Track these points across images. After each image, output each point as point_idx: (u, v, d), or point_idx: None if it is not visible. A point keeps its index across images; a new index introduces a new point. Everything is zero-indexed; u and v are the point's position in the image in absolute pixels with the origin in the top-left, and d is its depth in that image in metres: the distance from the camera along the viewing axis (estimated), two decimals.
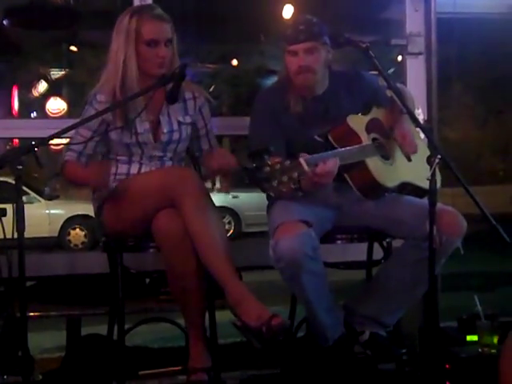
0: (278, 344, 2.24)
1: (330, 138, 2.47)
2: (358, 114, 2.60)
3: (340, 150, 2.42)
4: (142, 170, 2.56)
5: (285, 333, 2.25)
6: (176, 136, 2.59)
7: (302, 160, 2.14)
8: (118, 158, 2.58)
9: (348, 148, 2.43)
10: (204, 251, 2.31)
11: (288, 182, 2.07)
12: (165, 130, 2.57)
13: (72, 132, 2.46)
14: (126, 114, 2.48)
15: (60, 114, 15.35)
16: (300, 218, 2.38)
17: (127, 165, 2.58)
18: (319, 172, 2.22)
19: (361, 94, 2.64)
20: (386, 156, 2.56)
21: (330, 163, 2.26)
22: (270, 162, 2.07)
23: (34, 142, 2.12)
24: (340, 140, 2.46)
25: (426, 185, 2.20)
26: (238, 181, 2.46)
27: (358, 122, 2.54)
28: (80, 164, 2.54)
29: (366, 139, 2.52)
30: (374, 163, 2.47)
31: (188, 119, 2.63)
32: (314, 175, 2.21)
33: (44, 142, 2.21)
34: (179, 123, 2.60)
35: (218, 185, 10.64)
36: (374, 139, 2.57)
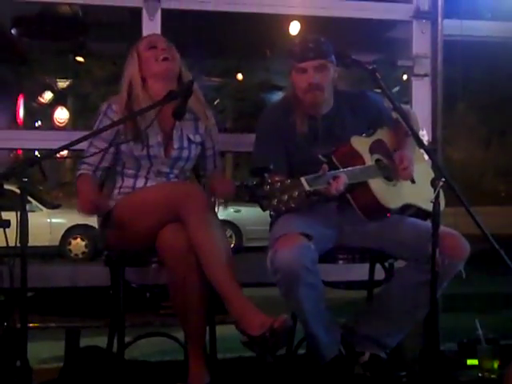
0: (283, 344, 2.23)
1: (333, 158, 2.48)
2: (362, 133, 2.61)
3: (342, 170, 2.42)
4: (148, 185, 2.57)
5: (288, 332, 2.24)
6: (185, 154, 2.61)
7: (303, 179, 2.15)
8: (125, 171, 2.59)
9: (350, 168, 2.43)
10: (208, 265, 2.32)
11: (288, 200, 2.07)
12: (175, 146, 2.59)
13: (85, 144, 2.48)
14: (136, 127, 2.50)
15: (63, 124, 15.41)
16: (300, 230, 2.38)
17: (133, 179, 2.59)
18: (332, 190, 2.24)
19: (365, 114, 2.65)
20: (390, 177, 2.57)
21: (340, 180, 2.28)
22: (270, 181, 2.08)
23: (39, 155, 2.13)
24: (343, 161, 2.47)
25: (429, 207, 2.20)
26: (242, 192, 2.46)
27: (361, 143, 2.55)
28: (93, 180, 2.56)
29: (369, 160, 2.52)
30: (377, 184, 2.48)
31: (198, 138, 2.66)
32: (329, 193, 2.23)
33: (51, 154, 2.22)
34: (189, 141, 2.63)
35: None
36: (377, 160, 2.57)
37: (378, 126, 2.65)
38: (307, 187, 2.15)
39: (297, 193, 2.09)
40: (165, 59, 2.57)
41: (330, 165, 2.47)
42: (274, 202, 2.06)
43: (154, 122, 2.45)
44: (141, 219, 2.38)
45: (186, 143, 2.62)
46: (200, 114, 2.66)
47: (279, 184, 2.08)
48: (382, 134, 2.65)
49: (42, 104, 15.86)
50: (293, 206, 2.07)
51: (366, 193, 2.45)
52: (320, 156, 2.52)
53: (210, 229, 2.34)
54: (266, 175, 2.08)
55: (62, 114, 15.30)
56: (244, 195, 2.10)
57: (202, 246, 2.31)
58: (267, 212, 2.48)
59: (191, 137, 2.64)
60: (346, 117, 2.62)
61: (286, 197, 2.07)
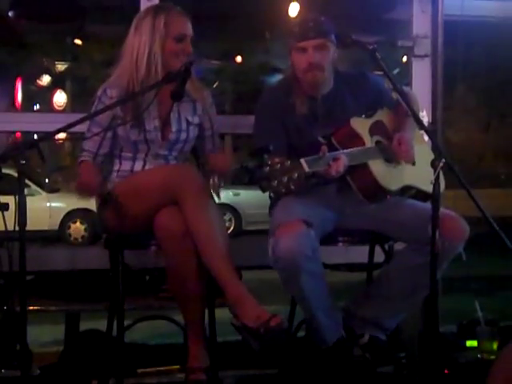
0: (276, 346, 2.24)
1: (333, 140, 2.46)
2: (362, 115, 2.59)
3: (342, 151, 2.41)
4: (146, 168, 2.56)
5: (283, 334, 2.24)
6: (183, 136, 2.59)
7: (302, 161, 2.13)
8: (122, 154, 2.58)
9: (349, 150, 2.42)
10: (204, 250, 2.31)
11: (288, 182, 2.06)
12: (173, 129, 2.57)
13: (83, 127, 2.46)
14: (137, 108, 2.48)
15: (61, 108, 15.36)
16: (301, 217, 2.37)
17: (131, 162, 2.57)
18: (332, 171, 2.23)
19: (365, 95, 2.63)
20: (390, 159, 2.55)
21: (340, 161, 2.26)
22: (270, 162, 2.07)
23: (37, 137, 2.11)
24: (343, 142, 2.46)
25: (429, 188, 2.19)
26: (242, 174, 2.45)
27: (361, 125, 2.53)
28: (94, 166, 2.54)
29: (369, 142, 2.51)
30: (377, 166, 2.47)
31: (196, 120, 2.64)
32: (328, 173, 2.22)
33: (49, 136, 2.20)
34: (188, 123, 2.61)
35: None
36: (377, 142, 2.56)
37: (377, 107, 2.63)
38: (307, 169, 2.13)
39: (296, 174, 2.08)
40: (184, 57, 2.50)
41: (329, 146, 2.46)
42: (274, 183, 2.05)
43: (152, 105, 2.43)
44: (138, 202, 2.37)
45: (184, 125, 2.60)
46: (197, 96, 2.63)
47: (279, 165, 2.07)
48: (382, 115, 2.64)
49: (40, 87, 15.80)
50: (292, 187, 2.07)
51: (366, 174, 2.44)
52: (319, 137, 2.51)
53: (207, 212, 2.33)
54: (265, 156, 2.07)
55: (60, 98, 15.25)
56: (244, 177, 2.09)
57: (199, 230, 2.30)
58: (266, 195, 2.48)
59: (189, 118, 2.62)
60: (345, 98, 2.60)
61: (286, 178, 2.06)
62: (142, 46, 2.49)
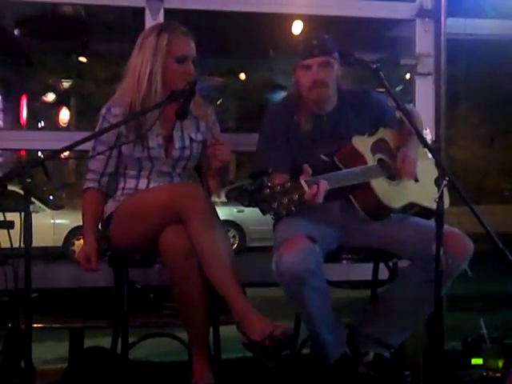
0: (283, 356, 2.23)
1: (335, 159, 2.48)
2: (365, 132, 2.60)
3: (343, 171, 2.42)
4: (151, 186, 2.57)
5: (288, 341, 2.24)
6: (187, 153, 2.60)
7: (302, 182, 2.14)
8: (127, 172, 2.59)
9: (351, 169, 2.43)
10: (210, 268, 2.31)
11: (288, 203, 2.06)
12: (177, 146, 2.58)
13: (88, 145, 2.48)
14: (140, 127, 2.49)
15: (65, 125, 15.43)
16: (305, 233, 2.37)
17: (135, 179, 2.59)
18: (310, 194, 2.19)
19: (369, 113, 2.65)
20: (392, 177, 2.56)
21: (322, 185, 2.23)
22: (270, 184, 2.07)
23: (42, 155, 2.12)
24: (345, 161, 2.47)
25: (433, 205, 2.19)
26: (241, 196, 2.44)
27: (363, 143, 2.54)
28: (99, 194, 2.57)
29: (370, 160, 2.52)
30: (379, 184, 2.47)
31: (199, 136, 2.65)
32: (309, 197, 2.19)
33: (55, 154, 2.21)
34: (191, 140, 2.62)
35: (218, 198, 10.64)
36: (379, 160, 2.56)
37: (380, 125, 2.64)
38: (307, 189, 2.14)
39: (297, 196, 2.09)
40: (187, 80, 2.49)
41: (332, 165, 2.48)
42: (275, 205, 2.06)
43: (156, 123, 2.44)
44: (142, 221, 2.38)
45: (187, 142, 2.61)
46: (199, 113, 2.63)
47: (279, 187, 2.07)
48: (385, 133, 2.65)
49: (45, 104, 15.88)
50: (293, 209, 2.07)
51: (369, 193, 2.44)
52: (322, 156, 2.52)
53: (212, 230, 2.33)
54: (265, 179, 2.07)
55: (65, 115, 15.34)
56: (243, 200, 2.09)
57: (204, 248, 2.31)
58: None
59: (192, 135, 2.63)
60: (349, 115, 2.61)
61: (287, 200, 2.07)
62: (144, 64, 2.50)
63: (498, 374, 2.59)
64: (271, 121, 2.64)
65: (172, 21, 2.63)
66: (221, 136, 2.74)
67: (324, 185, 2.23)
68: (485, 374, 2.64)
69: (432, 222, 2.25)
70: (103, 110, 2.57)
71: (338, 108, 2.61)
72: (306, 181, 2.16)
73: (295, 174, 2.33)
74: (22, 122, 13.98)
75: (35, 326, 2.82)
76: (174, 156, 2.58)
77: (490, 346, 2.67)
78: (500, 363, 2.63)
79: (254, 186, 2.06)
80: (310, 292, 2.34)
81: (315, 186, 2.20)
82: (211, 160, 2.51)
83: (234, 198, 11.86)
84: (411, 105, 3.25)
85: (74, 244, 11.06)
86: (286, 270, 2.30)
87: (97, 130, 2.52)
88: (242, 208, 11.43)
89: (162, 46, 2.49)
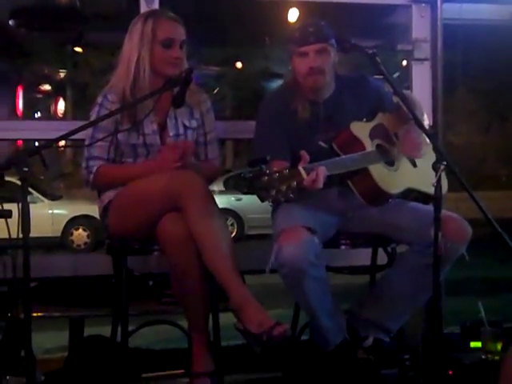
0: (279, 350, 2.23)
1: (333, 145, 2.47)
2: (363, 118, 2.60)
3: (342, 157, 2.42)
4: None
5: (285, 343, 2.23)
6: (182, 140, 2.60)
7: (300, 168, 2.14)
8: (124, 160, 2.58)
9: (350, 155, 2.43)
10: (208, 255, 2.31)
11: (286, 190, 2.07)
12: (171, 134, 2.58)
13: (84, 134, 2.46)
14: (134, 115, 2.49)
15: (61, 115, 15.42)
16: (304, 224, 2.37)
17: None
18: (309, 180, 2.19)
19: (366, 98, 2.64)
20: (391, 162, 2.56)
21: (320, 170, 2.23)
22: (268, 171, 2.07)
23: (38, 144, 2.12)
24: (344, 147, 2.47)
25: (431, 190, 2.20)
26: (240, 184, 2.44)
27: (361, 129, 2.54)
28: (112, 164, 2.54)
29: (369, 146, 2.52)
30: (378, 170, 2.47)
31: (194, 123, 2.64)
32: (307, 183, 2.19)
33: (51, 143, 2.21)
34: (185, 127, 2.61)
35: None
36: (378, 145, 2.57)
37: (378, 111, 2.64)
38: (305, 176, 2.14)
39: (295, 182, 2.09)
40: (175, 66, 2.50)
41: (330, 151, 2.48)
42: (273, 192, 2.06)
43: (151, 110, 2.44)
44: (141, 208, 2.37)
45: (181, 130, 2.60)
46: (193, 100, 2.61)
47: (277, 174, 2.07)
48: (383, 119, 2.65)
49: (41, 95, 15.85)
50: (291, 196, 2.07)
51: (367, 179, 2.45)
52: (320, 142, 2.52)
53: (210, 218, 2.33)
54: (263, 166, 2.07)
55: (61, 105, 15.33)
56: (242, 187, 2.09)
57: (202, 236, 2.30)
58: None
59: (186, 123, 2.61)
60: (347, 101, 2.61)
61: (285, 187, 2.07)
62: (132, 51, 2.52)
63: (497, 357, 2.60)
64: (268, 109, 2.63)
65: (162, 7, 2.62)
66: (217, 124, 2.74)
67: (322, 170, 2.23)
68: (484, 357, 2.66)
69: (430, 207, 2.26)
70: (99, 98, 2.56)
71: (335, 94, 2.61)
72: (304, 167, 2.16)
73: (294, 161, 2.33)
74: (18, 112, 13.96)
75: (35, 315, 2.83)
76: (169, 143, 2.58)
77: (488, 329, 2.68)
78: (499, 346, 2.64)
79: (253, 174, 2.06)
80: (309, 282, 2.34)
81: (314, 172, 2.20)
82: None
83: (232, 186, 11.88)
84: (408, 91, 3.24)
85: (72, 234, 11.08)
86: (286, 262, 2.30)
87: (94, 117, 2.52)
88: (240, 196, 11.48)
89: (148, 31, 2.50)
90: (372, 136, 2.55)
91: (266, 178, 2.06)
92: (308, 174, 2.16)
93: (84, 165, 2.56)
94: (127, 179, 2.48)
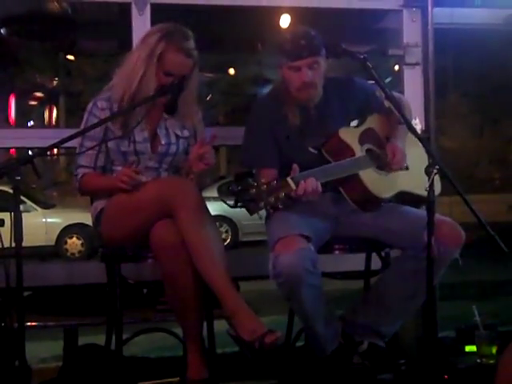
0: (271, 357, 2.23)
1: (323, 151, 2.48)
2: (351, 120, 2.61)
3: (331, 165, 2.42)
4: None
5: (277, 351, 2.23)
6: (173, 149, 2.60)
7: (289, 179, 2.14)
8: (114, 168, 2.58)
9: (339, 162, 2.43)
10: (200, 262, 2.30)
11: (275, 201, 2.07)
12: (163, 142, 2.58)
13: (77, 142, 2.46)
14: (126, 122, 2.49)
15: (54, 124, 15.40)
16: (299, 232, 2.37)
17: None
18: (299, 192, 2.20)
19: (353, 100, 2.64)
20: (381, 166, 2.56)
21: (309, 181, 2.24)
22: (256, 183, 2.06)
23: (31, 153, 2.12)
24: (333, 153, 2.47)
25: (423, 192, 2.20)
26: (228, 197, 2.44)
27: (350, 135, 2.54)
28: (97, 173, 2.54)
29: (359, 151, 2.52)
30: (368, 175, 2.48)
31: (186, 133, 2.64)
32: (296, 195, 2.20)
33: (43, 151, 2.21)
34: (177, 137, 2.61)
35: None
36: (368, 150, 2.57)
37: (367, 114, 2.65)
38: (294, 187, 2.14)
39: (283, 193, 2.09)
40: None
41: (320, 158, 2.48)
42: (261, 204, 2.06)
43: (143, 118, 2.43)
44: (133, 216, 2.37)
45: (173, 139, 2.60)
46: (185, 111, 2.60)
47: (265, 186, 2.08)
48: (372, 122, 2.65)
49: (33, 103, 15.83)
50: (280, 206, 2.07)
51: (358, 185, 2.45)
52: (310, 148, 2.52)
53: (202, 225, 2.32)
54: (249, 179, 2.07)
55: (54, 114, 15.32)
56: (230, 200, 2.09)
57: (194, 243, 2.30)
58: None
59: (178, 132, 2.61)
60: (335, 104, 2.61)
61: (273, 198, 2.07)
62: (138, 63, 2.49)
63: (492, 361, 2.60)
64: (258, 115, 2.63)
65: (180, 28, 2.55)
66: (207, 130, 2.73)
67: (311, 181, 2.23)
68: (479, 360, 2.65)
69: (423, 211, 2.26)
70: (89, 106, 2.56)
71: (323, 99, 2.60)
72: (292, 178, 2.16)
73: (283, 168, 2.34)
74: (10, 121, 13.93)
75: (29, 324, 2.82)
76: (160, 151, 2.57)
77: (483, 332, 2.68)
78: (494, 350, 2.64)
79: (241, 187, 2.06)
80: (306, 290, 2.34)
81: (302, 183, 2.20)
82: (194, 162, 2.48)
83: (225, 193, 11.87)
84: (400, 94, 3.24)
85: (66, 242, 11.05)
86: (283, 271, 2.30)
87: (83, 125, 2.52)
88: None
89: (156, 53, 2.47)
90: (362, 141, 2.55)
91: (254, 190, 2.06)
92: (297, 185, 2.16)
93: (74, 173, 2.59)
94: (108, 189, 2.48)
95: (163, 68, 2.48)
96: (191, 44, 2.51)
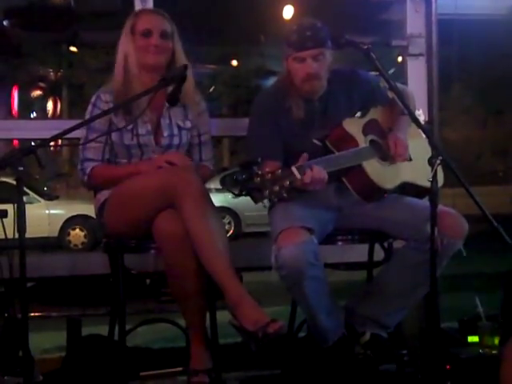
0: (275, 348, 2.23)
1: (327, 142, 2.47)
2: (355, 112, 2.60)
3: (335, 155, 2.42)
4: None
5: (281, 340, 2.24)
6: (176, 141, 2.60)
7: (293, 168, 2.14)
8: (118, 161, 2.58)
9: (343, 152, 2.43)
10: (203, 253, 2.31)
11: (279, 190, 2.06)
12: (165, 134, 2.58)
13: (79, 133, 2.46)
14: (129, 114, 2.49)
15: (57, 115, 15.41)
16: (302, 224, 2.37)
17: None
18: (306, 180, 2.19)
19: (357, 92, 2.63)
20: (385, 157, 2.56)
21: (316, 170, 2.23)
22: (260, 172, 2.06)
23: (34, 143, 2.12)
24: (337, 144, 2.47)
25: (426, 183, 2.19)
26: (233, 186, 2.43)
27: (354, 125, 2.54)
28: (107, 164, 2.56)
29: (362, 142, 2.51)
30: (372, 166, 2.47)
31: (188, 124, 2.63)
32: (303, 183, 2.20)
33: (46, 142, 2.21)
34: (179, 128, 2.61)
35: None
36: (371, 141, 2.56)
37: (370, 106, 2.64)
38: (299, 176, 2.14)
39: (288, 182, 2.09)
40: (155, 53, 2.53)
41: (324, 148, 2.47)
42: (266, 193, 2.06)
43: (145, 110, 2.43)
44: (136, 206, 2.37)
45: (176, 130, 2.60)
46: (188, 100, 2.61)
47: (270, 175, 2.07)
48: (376, 113, 2.64)
49: (36, 95, 15.84)
50: (285, 195, 2.07)
51: (361, 175, 2.45)
52: (314, 140, 2.51)
53: (205, 216, 2.32)
54: (255, 168, 2.07)
55: (57, 105, 15.35)
56: (235, 189, 2.09)
57: (197, 234, 2.30)
58: None
59: (180, 124, 2.61)
60: (339, 96, 2.60)
61: (278, 187, 2.07)
62: (120, 50, 2.58)
63: (495, 351, 2.61)
64: (261, 108, 2.62)
65: (156, 6, 2.70)
66: (213, 122, 2.73)
67: (319, 170, 2.23)
68: (481, 351, 2.66)
69: (426, 202, 2.25)
70: (93, 98, 2.57)
71: (328, 91, 2.59)
72: (297, 167, 2.16)
73: (288, 160, 2.33)
74: (13, 113, 13.95)
75: (33, 315, 2.83)
76: (163, 143, 2.57)
77: (486, 323, 2.68)
78: (496, 340, 2.65)
79: (245, 175, 2.06)
80: (309, 282, 2.34)
81: (309, 171, 2.20)
82: None
83: (229, 184, 11.86)
84: (403, 85, 3.23)
85: (69, 234, 11.07)
86: (286, 264, 2.30)
87: (87, 117, 2.51)
88: None
89: (130, 27, 2.57)
90: (365, 132, 2.55)
91: (259, 179, 2.05)
92: (302, 174, 2.16)
93: (79, 167, 2.58)
94: (120, 180, 2.48)
95: (140, 32, 2.55)
96: (159, 10, 2.66)
